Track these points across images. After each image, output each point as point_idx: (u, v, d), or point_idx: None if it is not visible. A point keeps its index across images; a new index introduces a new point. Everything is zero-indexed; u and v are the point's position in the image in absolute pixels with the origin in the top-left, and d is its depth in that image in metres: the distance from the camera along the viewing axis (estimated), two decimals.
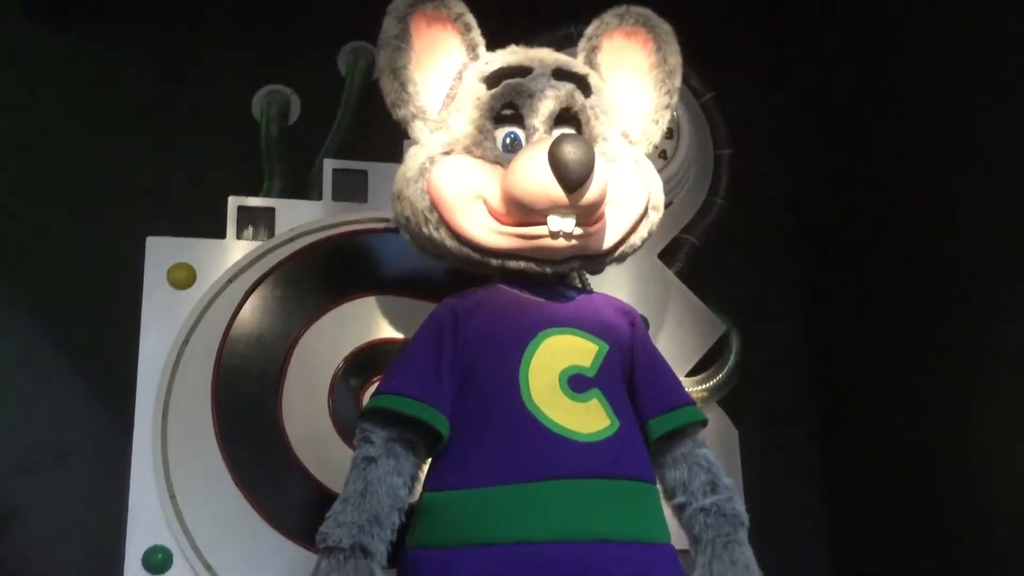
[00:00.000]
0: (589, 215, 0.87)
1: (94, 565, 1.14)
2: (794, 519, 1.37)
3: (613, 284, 1.18)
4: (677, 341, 1.26)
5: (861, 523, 1.34)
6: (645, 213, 0.95)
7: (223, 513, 1.06)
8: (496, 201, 0.88)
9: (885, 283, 1.32)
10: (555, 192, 0.83)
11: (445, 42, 0.97)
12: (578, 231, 0.87)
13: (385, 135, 1.06)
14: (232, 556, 1.05)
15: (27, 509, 1.17)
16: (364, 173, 1.23)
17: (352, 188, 1.22)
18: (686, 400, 0.92)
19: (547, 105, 0.92)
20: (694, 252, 1.33)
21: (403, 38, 0.94)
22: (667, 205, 1.07)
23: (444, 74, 0.97)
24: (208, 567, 1.05)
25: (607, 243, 0.92)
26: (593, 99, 0.95)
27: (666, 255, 1.31)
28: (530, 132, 0.92)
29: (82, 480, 1.19)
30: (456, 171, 0.90)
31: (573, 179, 0.82)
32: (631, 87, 1.00)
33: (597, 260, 0.95)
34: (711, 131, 1.37)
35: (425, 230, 0.91)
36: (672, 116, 1.01)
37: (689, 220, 1.34)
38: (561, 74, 0.94)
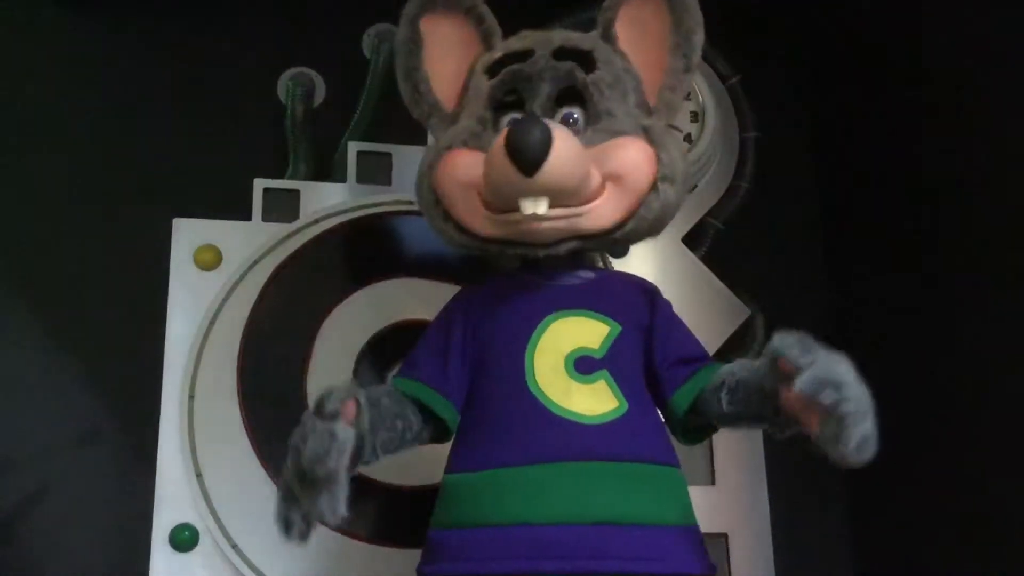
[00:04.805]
0: (563, 195, 0.83)
1: (121, 543, 1.15)
2: (818, 508, 1.36)
3: (636, 268, 1.18)
4: (700, 325, 1.22)
5: (887, 516, 1.33)
6: (653, 187, 0.88)
7: (249, 492, 1.07)
8: (484, 190, 0.86)
9: (912, 269, 1.31)
10: (514, 177, 0.79)
11: (458, 36, 0.96)
12: (559, 211, 0.83)
13: (409, 118, 1.06)
14: (258, 535, 1.07)
15: (55, 487, 1.18)
16: (388, 155, 1.23)
17: (376, 170, 1.22)
18: (704, 363, 0.89)
19: (544, 88, 0.89)
20: (719, 236, 1.32)
21: (415, 40, 0.94)
22: (691, 189, 1.05)
23: (459, 69, 0.96)
24: (234, 545, 1.06)
25: (608, 221, 0.87)
26: (598, 73, 0.91)
27: (690, 239, 1.31)
28: None
29: (109, 459, 1.20)
30: (453, 165, 0.89)
31: (527, 161, 0.78)
32: (650, 56, 0.95)
33: (602, 239, 0.89)
34: (737, 114, 1.36)
35: (436, 223, 0.91)
36: (694, 89, 0.96)
37: (714, 204, 1.33)
38: (563, 53, 0.91)
